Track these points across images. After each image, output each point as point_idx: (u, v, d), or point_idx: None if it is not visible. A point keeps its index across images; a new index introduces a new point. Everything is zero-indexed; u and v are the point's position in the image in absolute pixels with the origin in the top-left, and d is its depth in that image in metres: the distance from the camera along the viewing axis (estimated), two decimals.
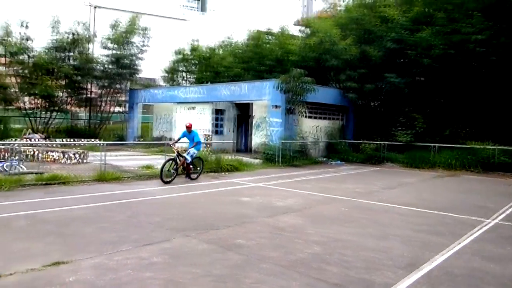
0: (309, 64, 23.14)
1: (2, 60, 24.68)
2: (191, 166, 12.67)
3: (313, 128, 21.94)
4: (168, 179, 11.68)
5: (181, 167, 12.47)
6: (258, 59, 27.74)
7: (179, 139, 12.96)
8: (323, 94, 21.46)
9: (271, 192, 11.33)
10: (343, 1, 28.98)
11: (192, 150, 12.46)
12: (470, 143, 18.58)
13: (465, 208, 9.76)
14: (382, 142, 20.89)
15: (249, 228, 7.18)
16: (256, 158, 19.05)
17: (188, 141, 12.97)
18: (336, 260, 5.55)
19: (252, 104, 22.58)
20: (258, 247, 6.02)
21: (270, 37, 29.99)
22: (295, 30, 33.42)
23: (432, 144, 19.51)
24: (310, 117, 21.52)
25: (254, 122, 22.65)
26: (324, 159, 21.03)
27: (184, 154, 12.29)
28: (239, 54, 30.26)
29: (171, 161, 11.98)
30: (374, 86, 22.43)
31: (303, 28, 30.11)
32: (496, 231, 7.61)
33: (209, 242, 6.17)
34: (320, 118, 22.64)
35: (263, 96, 20.94)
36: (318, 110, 22.29)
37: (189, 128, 12.54)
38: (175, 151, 12.25)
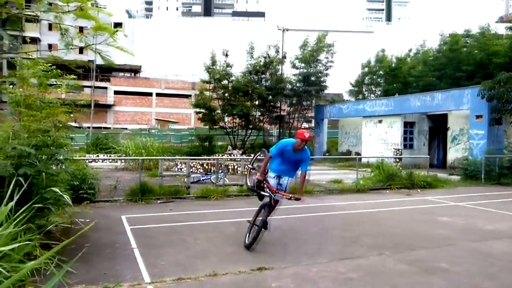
0: None
1: (208, 86, 28.74)
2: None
3: None
4: (252, 240, 6.34)
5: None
6: (453, 65, 25.21)
7: (269, 160, 6.74)
8: None
9: (475, 213, 9.98)
10: None
11: (286, 181, 6.90)
12: None
13: None
14: None
15: (452, 251, 6.47)
16: (453, 174, 17.19)
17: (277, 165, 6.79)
18: None
19: (447, 115, 20.52)
20: (467, 274, 5.36)
21: (467, 39, 26.93)
22: (499, 29, 29.17)
23: None
24: None
25: (449, 135, 20.50)
26: None
27: (278, 196, 6.44)
28: (431, 62, 28.13)
29: (262, 210, 6.48)
30: None
31: (510, 24, 25.99)
32: None
33: (407, 263, 5.79)
34: None
35: (461, 106, 18.79)
36: None
37: (304, 141, 6.34)
38: (267, 193, 6.48)
